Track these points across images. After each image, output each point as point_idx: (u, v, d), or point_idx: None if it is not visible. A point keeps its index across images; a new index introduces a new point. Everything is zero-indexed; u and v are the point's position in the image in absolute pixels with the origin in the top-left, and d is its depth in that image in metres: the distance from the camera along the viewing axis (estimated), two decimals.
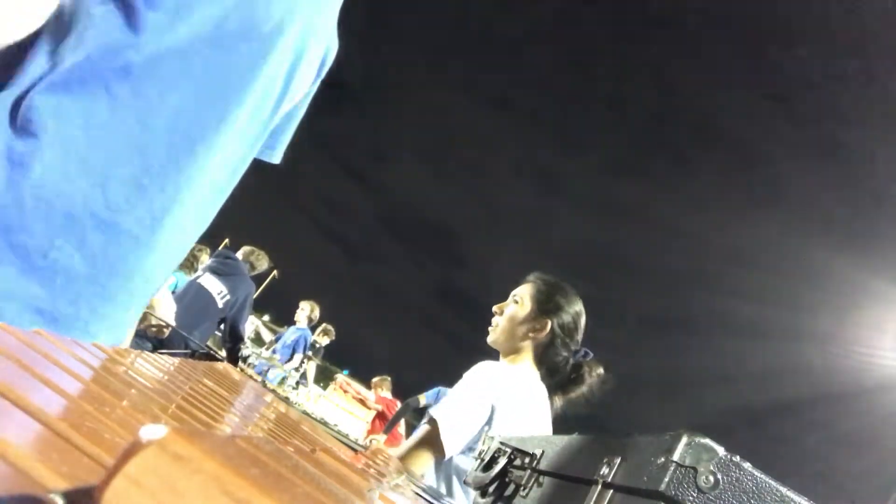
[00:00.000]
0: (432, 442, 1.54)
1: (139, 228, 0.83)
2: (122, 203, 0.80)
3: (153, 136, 0.80)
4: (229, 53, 0.81)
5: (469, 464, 1.56)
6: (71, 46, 0.74)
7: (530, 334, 1.72)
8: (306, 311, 6.59)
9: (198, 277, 4.13)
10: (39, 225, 0.75)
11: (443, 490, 1.56)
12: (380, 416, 7.79)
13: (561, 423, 1.76)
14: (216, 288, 4.06)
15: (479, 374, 1.63)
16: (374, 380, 8.27)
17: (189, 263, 4.78)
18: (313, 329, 7.28)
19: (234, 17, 0.80)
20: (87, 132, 0.77)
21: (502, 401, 1.58)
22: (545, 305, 1.74)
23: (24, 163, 0.73)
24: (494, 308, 1.81)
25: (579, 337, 1.77)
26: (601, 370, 1.76)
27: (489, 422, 1.56)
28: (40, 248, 0.76)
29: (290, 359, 6.65)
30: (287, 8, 0.85)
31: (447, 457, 1.53)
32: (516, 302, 1.78)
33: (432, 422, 1.56)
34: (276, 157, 1.13)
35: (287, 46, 0.89)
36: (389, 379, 8.18)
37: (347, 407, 8.25)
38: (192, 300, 3.95)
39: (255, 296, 4.56)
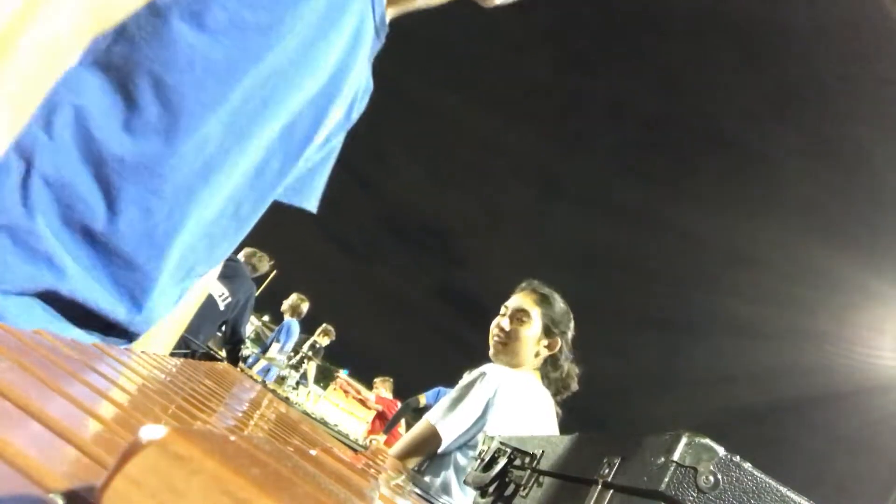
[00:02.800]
0: (427, 435, 1.58)
1: (137, 256, 0.78)
2: (122, 225, 0.75)
3: (174, 157, 0.74)
4: (264, 87, 0.78)
5: (467, 461, 1.58)
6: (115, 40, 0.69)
7: (539, 350, 1.76)
8: (290, 301, 6.62)
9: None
10: (41, 218, 0.70)
11: (441, 488, 1.58)
12: (380, 416, 7.79)
13: (561, 424, 1.78)
14: (217, 290, 4.09)
15: (477, 373, 1.67)
16: (376, 380, 8.28)
17: None
18: (312, 328, 7.29)
19: (280, 52, 0.77)
20: (109, 134, 0.71)
21: (498, 396, 1.61)
22: (559, 325, 1.77)
23: (29, 159, 0.68)
24: (503, 325, 1.80)
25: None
26: (576, 369, 1.81)
27: (485, 414, 1.59)
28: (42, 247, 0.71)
29: (269, 348, 6.71)
30: (325, 43, 0.82)
31: (444, 443, 1.56)
32: (521, 321, 1.78)
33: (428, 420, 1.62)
34: (312, 205, 1.10)
35: (320, 82, 0.87)
36: (391, 380, 8.19)
37: (347, 407, 8.25)
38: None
39: (259, 291, 4.58)
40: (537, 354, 1.78)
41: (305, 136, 0.91)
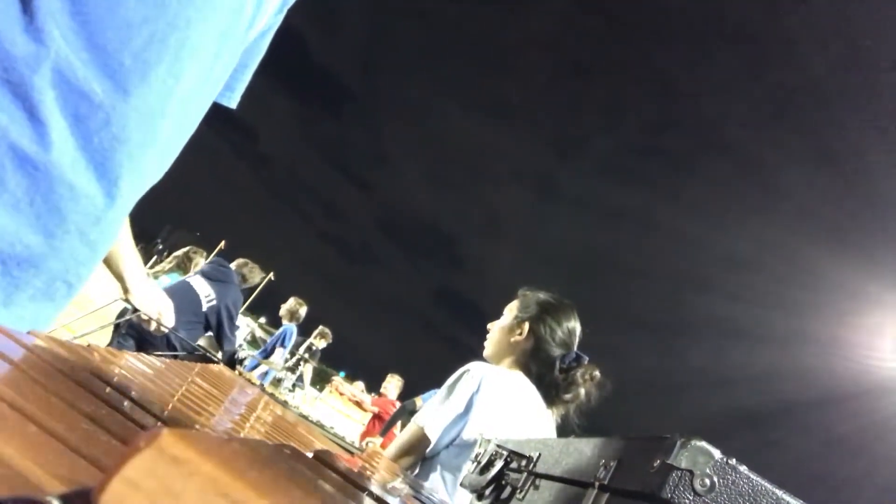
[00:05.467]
0: (416, 437, 1.60)
1: (76, 174, 0.64)
2: (55, 136, 0.62)
3: (93, 49, 0.62)
4: None
5: (454, 459, 1.59)
6: None
7: (512, 339, 1.78)
8: (289, 305, 6.62)
9: (188, 278, 4.20)
10: None
11: (431, 488, 1.58)
12: (377, 417, 7.77)
13: (559, 426, 1.76)
14: (204, 290, 4.11)
15: (460, 371, 1.69)
16: (388, 376, 8.15)
17: (184, 265, 4.80)
18: (308, 330, 7.29)
19: None
20: (7, 24, 0.58)
21: (482, 391, 1.62)
22: (525, 311, 1.81)
23: None
24: (489, 325, 1.88)
25: (573, 344, 1.80)
26: (597, 373, 1.78)
27: (468, 410, 1.60)
28: None
29: (271, 353, 6.71)
30: None
31: (432, 442, 1.58)
32: (504, 316, 1.86)
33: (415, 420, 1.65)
34: (233, 101, 0.98)
35: None
36: (401, 380, 8.05)
37: (344, 409, 8.23)
38: (177, 297, 3.99)
39: (251, 298, 4.59)
40: (510, 343, 1.79)
41: (248, 23, 0.80)
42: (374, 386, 8.36)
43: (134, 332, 3.72)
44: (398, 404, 7.63)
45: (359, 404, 8.29)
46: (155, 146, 0.72)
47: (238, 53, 0.83)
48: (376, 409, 7.85)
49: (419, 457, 1.63)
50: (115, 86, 0.64)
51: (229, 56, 0.80)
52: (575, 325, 1.82)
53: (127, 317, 3.69)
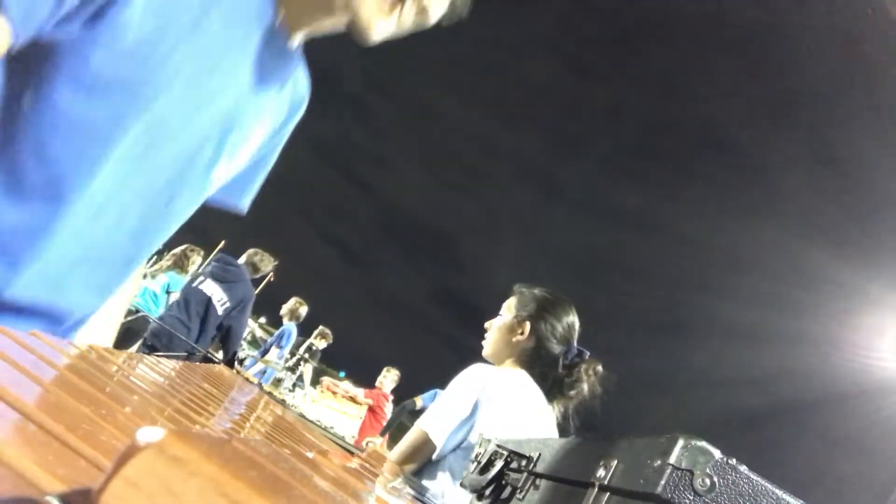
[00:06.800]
0: (421, 442, 1.60)
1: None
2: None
3: (63, 218, 0.74)
4: (154, 130, 0.77)
5: (460, 462, 1.59)
6: None
7: (513, 339, 1.77)
8: (289, 304, 6.61)
9: (200, 283, 4.14)
10: None
11: (436, 492, 1.58)
12: (370, 410, 7.73)
13: (560, 424, 1.76)
14: (217, 295, 4.09)
15: (463, 374, 1.68)
16: (384, 370, 8.14)
17: (181, 263, 4.78)
18: (309, 330, 7.28)
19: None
20: None
21: (486, 393, 1.62)
22: (524, 310, 1.80)
23: None
24: (486, 324, 1.86)
25: (573, 338, 1.80)
26: (599, 367, 1.78)
27: (473, 413, 1.59)
28: None
29: (267, 351, 6.71)
30: (219, 75, 0.81)
31: (438, 448, 1.57)
32: (498, 316, 1.84)
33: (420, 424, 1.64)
34: (242, 206, 1.08)
35: (220, 110, 0.86)
36: (396, 373, 8.02)
37: (339, 407, 8.20)
38: (195, 306, 3.98)
39: (253, 300, 4.55)
40: (511, 343, 1.79)
41: (209, 162, 0.90)
42: (371, 385, 8.34)
43: (159, 342, 3.72)
44: (391, 397, 7.62)
45: (353, 399, 8.26)
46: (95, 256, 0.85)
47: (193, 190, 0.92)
48: (370, 402, 7.82)
49: (424, 461, 1.63)
50: (74, 231, 0.77)
51: (192, 185, 0.90)
52: (573, 319, 1.81)
53: (128, 318, 3.70)
